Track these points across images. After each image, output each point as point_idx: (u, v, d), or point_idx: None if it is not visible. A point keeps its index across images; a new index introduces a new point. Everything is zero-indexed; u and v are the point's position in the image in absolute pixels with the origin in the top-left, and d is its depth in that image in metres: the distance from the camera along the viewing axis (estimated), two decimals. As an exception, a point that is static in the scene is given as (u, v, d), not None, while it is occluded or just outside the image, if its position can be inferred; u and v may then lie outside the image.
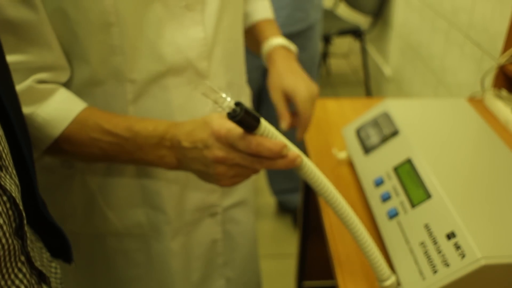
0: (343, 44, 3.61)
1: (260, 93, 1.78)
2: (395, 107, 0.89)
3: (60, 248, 0.54)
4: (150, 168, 0.78)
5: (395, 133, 0.84)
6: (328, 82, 3.33)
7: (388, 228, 0.72)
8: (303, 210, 1.33)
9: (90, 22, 0.64)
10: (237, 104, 0.54)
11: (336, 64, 3.53)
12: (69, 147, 0.67)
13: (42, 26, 0.62)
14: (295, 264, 1.82)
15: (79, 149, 0.67)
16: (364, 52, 2.85)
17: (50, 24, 0.63)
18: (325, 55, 3.09)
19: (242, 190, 0.94)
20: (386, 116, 0.88)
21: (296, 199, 2.04)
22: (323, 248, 0.80)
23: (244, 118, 0.55)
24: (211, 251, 0.93)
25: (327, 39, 2.78)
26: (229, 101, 0.54)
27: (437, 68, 2.06)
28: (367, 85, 2.92)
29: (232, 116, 0.54)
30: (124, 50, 0.67)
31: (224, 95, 0.54)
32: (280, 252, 1.94)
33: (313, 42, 1.74)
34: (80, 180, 0.79)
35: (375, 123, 0.89)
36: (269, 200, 2.20)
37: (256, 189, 2.20)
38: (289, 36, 1.65)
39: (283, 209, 2.14)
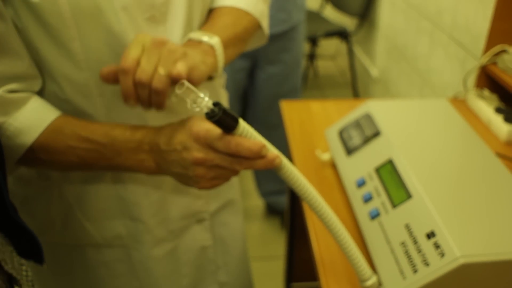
0: (330, 46, 3.63)
1: (246, 95, 1.79)
2: (377, 108, 0.90)
3: (30, 250, 0.53)
4: (128, 177, 0.78)
5: (376, 134, 0.84)
6: (315, 84, 3.34)
7: (369, 228, 0.72)
8: (290, 212, 1.34)
9: (50, 37, 0.63)
10: (215, 104, 0.54)
11: (323, 65, 3.54)
12: (46, 156, 0.66)
13: (10, 36, 0.61)
14: (283, 266, 1.82)
15: (56, 158, 0.66)
16: (350, 53, 2.86)
17: None
18: (312, 57, 3.10)
19: (228, 191, 0.94)
20: (368, 117, 0.89)
21: (284, 200, 2.05)
22: (310, 250, 0.80)
23: (223, 118, 0.55)
24: (202, 257, 0.92)
25: (313, 41, 2.79)
26: (207, 101, 0.54)
27: (422, 69, 2.08)
28: (354, 86, 2.93)
29: (211, 116, 0.54)
30: (89, 65, 0.66)
31: (202, 95, 0.54)
32: (269, 254, 1.94)
33: (297, 43, 1.75)
34: (57, 192, 0.78)
35: (357, 124, 0.90)
36: (257, 202, 2.20)
37: (244, 191, 2.20)
38: (272, 37, 1.66)
39: (271, 211, 2.15)
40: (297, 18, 1.70)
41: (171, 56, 0.60)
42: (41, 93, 0.69)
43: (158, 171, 0.67)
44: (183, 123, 0.63)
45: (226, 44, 0.73)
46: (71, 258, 0.85)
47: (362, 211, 0.76)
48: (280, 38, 1.67)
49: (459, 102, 1.23)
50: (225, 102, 0.95)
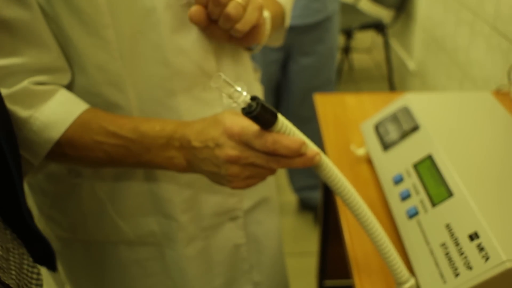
0: (366, 39, 3.55)
1: (279, 89, 1.76)
2: (415, 101, 0.86)
3: (44, 256, 0.52)
4: (160, 174, 0.75)
5: (415, 128, 0.80)
6: (350, 78, 3.28)
7: (407, 228, 0.69)
8: (323, 208, 1.30)
9: (83, 24, 0.61)
10: (253, 98, 0.51)
11: (359, 59, 3.47)
12: (73, 152, 0.64)
13: (38, 26, 0.59)
14: (316, 263, 1.79)
15: (83, 154, 0.64)
16: (387, 46, 2.79)
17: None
18: (347, 50, 3.04)
19: (262, 189, 0.91)
20: (406, 111, 0.85)
21: (317, 196, 2.01)
22: (344, 247, 0.77)
23: (261, 114, 0.51)
24: (235, 256, 0.90)
25: (348, 34, 2.73)
26: (245, 96, 0.50)
27: (462, 62, 2.00)
28: (391, 80, 2.86)
29: (248, 111, 0.51)
30: (122, 54, 0.64)
31: (239, 89, 0.50)
32: (301, 250, 1.91)
33: (331, 34, 1.70)
34: (88, 188, 0.76)
35: (394, 118, 0.86)
36: (290, 198, 2.17)
37: (277, 187, 2.18)
38: (306, 27, 1.62)
39: (304, 206, 2.11)
40: (332, 8, 1.65)
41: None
42: (70, 87, 0.67)
43: (189, 169, 0.64)
44: (216, 118, 0.60)
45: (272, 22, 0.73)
46: (104, 256, 0.83)
47: (399, 209, 0.72)
48: (314, 28, 1.62)
49: (502, 96, 1.17)
50: (260, 96, 0.92)
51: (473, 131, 0.78)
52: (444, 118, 0.82)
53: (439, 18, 2.27)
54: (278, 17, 0.80)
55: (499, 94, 1.18)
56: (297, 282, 1.72)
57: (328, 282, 1.46)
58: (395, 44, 3.08)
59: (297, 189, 2.04)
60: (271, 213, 0.95)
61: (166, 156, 0.63)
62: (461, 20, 1.99)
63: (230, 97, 0.50)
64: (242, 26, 0.63)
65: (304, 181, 1.99)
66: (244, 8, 0.62)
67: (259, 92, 0.91)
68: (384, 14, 2.88)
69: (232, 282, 0.91)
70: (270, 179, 0.95)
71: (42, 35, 0.60)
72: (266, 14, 0.72)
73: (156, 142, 0.63)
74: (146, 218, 0.79)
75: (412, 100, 0.86)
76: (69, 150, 0.64)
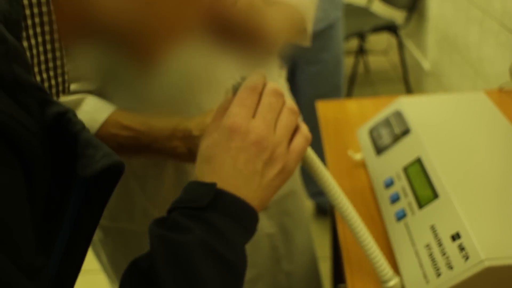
0: (381, 41, 3.55)
1: (293, 71, 1.76)
2: (408, 105, 0.87)
3: None
4: (190, 166, 0.79)
5: (406, 132, 0.82)
6: (367, 80, 3.28)
7: (395, 230, 0.70)
8: (333, 212, 1.32)
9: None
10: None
11: (375, 61, 3.47)
12: None
13: None
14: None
15: None
16: (401, 47, 2.79)
17: None
18: (360, 53, 3.04)
19: (289, 182, 0.94)
20: (398, 115, 0.86)
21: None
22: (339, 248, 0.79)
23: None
24: (267, 246, 0.93)
25: (362, 37, 2.74)
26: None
27: (474, 60, 1.99)
28: (406, 81, 2.85)
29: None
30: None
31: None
32: (319, 255, 1.92)
33: (335, 41, 1.72)
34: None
35: (387, 122, 0.87)
36: (306, 203, 2.18)
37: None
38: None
39: (320, 211, 2.12)
40: (334, 16, 1.67)
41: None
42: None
43: (191, 158, 0.69)
44: (213, 109, 0.64)
45: None
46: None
47: (388, 212, 0.74)
48: (318, 37, 1.64)
49: (506, 94, 1.17)
50: (286, 93, 0.94)
51: (464, 133, 0.79)
52: (436, 120, 0.83)
53: (450, 16, 2.26)
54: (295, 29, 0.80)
55: (502, 92, 1.18)
56: (314, 287, 1.73)
57: (341, 286, 1.47)
58: (410, 45, 3.07)
59: (312, 194, 2.05)
60: (298, 205, 0.99)
61: (171, 146, 0.70)
62: (471, 18, 1.98)
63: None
64: None
65: (318, 187, 2.00)
66: None
67: (284, 89, 0.93)
68: (397, 15, 2.88)
69: (264, 272, 0.94)
70: (296, 174, 0.97)
71: None
72: None
73: (162, 134, 0.70)
74: None
75: (404, 104, 0.87)
76: None
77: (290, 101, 0.55)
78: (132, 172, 0.80)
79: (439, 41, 2.49)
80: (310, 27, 0.86)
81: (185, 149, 0.69)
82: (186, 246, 0.44)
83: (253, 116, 0.52)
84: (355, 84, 2.87)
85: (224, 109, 0.53)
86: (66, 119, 0.35)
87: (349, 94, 2.80)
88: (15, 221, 0.31)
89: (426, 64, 2.72)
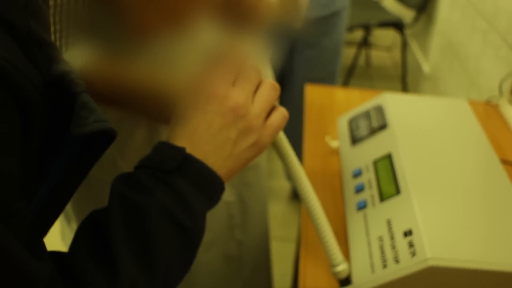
0: (387, 37, 3.54)
1: (282, 77, 1.78)
2: (390, 101, 0.88)
3: None
4: (161, 125, 0.80)
5: (383, 126, 0.83)
6: (366, 74, 3.28)
7: (354, 219, 0.72)
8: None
9: None
10: None
11: (377, 56, 3.46)
12: None
13: None
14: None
15: None
16: (404, 46, 2.78)
17: None
18: (364, 45, 3.03)
19: None
20: (379, 109, 0.87)
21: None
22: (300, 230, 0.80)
23: None
24: (224, 213, 0.94)
25: (367, 29, 2.73)
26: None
27: (471, 70, 2.00)
28: (404, 80, 2.86)
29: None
30: None
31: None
32: (288, 236, 1.96)
33: (338, 29, 1.72)
34: None
35: (367, 115, 0.88)
36: (283, 183, 2.21)
37: (271, 171, 2.21)
38: (313, 20, 1.64)
39: (296, 194, 2.15)
40: (341, 4, 1.66)
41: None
42: None
43: (163, 119, 0.69)
44: None
45: None
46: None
47: (351, 201, 0.75)
48: (321, 22, 1.64)
49: (491, 107, 1.18)
50: (270, 72, 0.96)
51: (438, 137, 0.80)
52: (414, 120, 0.84)
53: (457, 23, 2.26)
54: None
55: (489, 105, 1.19)
56: (277, 265, 1.76)
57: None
58: (413, 45, 3.06)
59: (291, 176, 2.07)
60: (260, 179, 1.00)
61: (147, 104, 0.69)
62: (476, 27, 1.99)
63: None
64: None
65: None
66: None
67: (267, 67, 0.94)
68: (406, 13, 2.87)
69: (218, 237, 0.96)
70: None
71: None
72: None
73: (142, 89, 0.69)
74: None
75: (387, 100, 0.88)
76: None
77: (270, 78, 0.56)
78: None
79: (442, 46, 2.49)
80: (303, 11, 0.86)
81: (159, 109, 0.68)
82: (144, 208, 0.44)
83: (233, 85, 0.52)
84: (354, 76, 2.87)
85: (203, 75, 0.53)
86: (69, 79, 0.36)
87: (346, 84, 2.80)
88: (1, 166, 0.32)
89: (426, 67, 2.73)
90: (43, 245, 0.40)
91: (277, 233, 1.96)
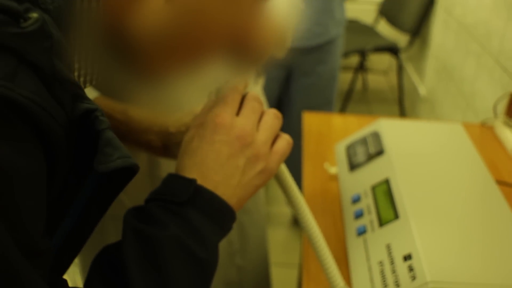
0: (383, 61, 3.59)
1: (280, 105, 1.81)
2: (386, 127, 0.90)
3: None
4: (161, 159, 0.82)
5: (380, 152, 0.84)
6: (363, 98, 3.32)
7: (354, 244, 0.73)
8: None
9: None
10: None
11: (374, 80, 3.51)
12: None
13: None
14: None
15: None
16: (400, 70, 2.82)
17: None
18: (360, 70, 3.07)
19: None
20: (376, 135, 0.89)
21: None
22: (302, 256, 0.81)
23: None
24: (224, 239, 0.95)
25: (363, 55, 2.77)
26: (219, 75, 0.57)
27: (467, 92, 2.03)
28: (401, 104, 2.89)
29: (219, 90, 0.57)
30: None
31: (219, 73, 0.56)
32: (289, 262, 1.95)
33: (333, 56, 1.75)
34: None
35: (364, 141, 0.90)
36: (284, 210, 2.21)
37: (271, 197, 2.22)
38: (308, 49, 1.67)
39: (297, 220, 2.15)
40: (335, 32, 1.70)
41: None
42: None
43: (165, 153, 0.72)
44: (191, 109, 0.69)
45: None
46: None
47: (351, 226, 0.77)
48: (316, 50, 1.68)
49: (487, 129, 1.20)
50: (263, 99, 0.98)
51: (434, 161, 0.82)
52: (410, 145, 0.86)
53: (451, 46, 2.30)
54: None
55: (484, 127, 1.21)
56: (280, 292, 1.76)
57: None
58: (409, 69, 3.10)
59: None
60: (258, 205, 1.02)
61: (146, 139, 0.72)
62: (469, 51, 2.02)
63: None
64: None
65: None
66: None
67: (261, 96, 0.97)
68: (400, 38, 2.92)
69: (219, 264, 0.96)
70: None
71: None
72: None
73: (139, 126, 0.72)
74: (145, 196, 0.86)
75: (383, 126, 0.90)
76: None
77: (272, 108, 0.58)
78: None
79: (437, 69, 2.52)
80: (288, 42, 0.91)
81: (159, 143, 0.71)
82: (158, 241, 0.45)
83: (237, 115, 0.54)
84: (351, 100, 2.90)
85: (208, 108, 0.55)
86: (94, 116, 0.37)
87: (343, 109, 2.83)
88: (29, 205, 0.33)
89: (422, 90, 2.76)
90: (65, 284, 0.41)
91: (279, 259, 1.96)
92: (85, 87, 0.44)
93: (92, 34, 0.41)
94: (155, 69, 0.49)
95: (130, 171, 0.40)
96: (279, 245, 2.04)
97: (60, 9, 0.36)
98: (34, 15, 0.33)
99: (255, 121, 0.54)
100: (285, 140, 0.56)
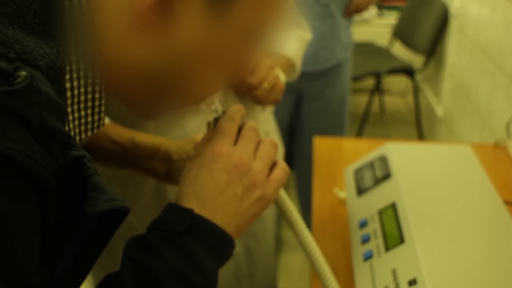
0: (400, 82, 3.58)
1: (292, 129, 1.82)
2: (394, 150, 0.90)
3: None
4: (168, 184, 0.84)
5: (387, 176, 0.84)
6: (380, 121, 3.30)
7: (361, 269, 0.73)
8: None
9: None
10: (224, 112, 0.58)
11: (391, 102, 3.49)
12: None
13: None
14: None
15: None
16: (416, 91, 2.82)
17: None
18: (377, 92, 3.07)
19: None
20: (383, 159, 0.89)
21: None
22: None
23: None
24: (231, 263, 0.96)
25: (378, 77, 2.78)
26: (216, 106, 0.58)
27: (483, 111, 2.01)
28: (419, 125, 2.87)
29: (216, 118, 0.58)
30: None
31: (217, 103, 0.58)
32: (300, 286, 1.94)
33: (342, 80, 1.76)
34: (105, 180, 0.87)
35: (371, 165, 0.90)
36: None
37: (283, 223, 2.21)
38: (314, 74, 1.69)
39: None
40: (342, 56, 1.72)
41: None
42: None
43: (168, 179, 0.75)
44: (193, 137, 0.72)
45: None
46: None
47: (358, 251, 0.76)
48: (324, 75, 1.69)
49: (500, 149, 1.19)
50: (272, 126, 1.02)
51: (441, 184, 0.81)
52: (417, 169, 0.85)
53: (466, 66, 2.29)
54: (287, 70, 0.94)
55: (497, 147, 1.20)
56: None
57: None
58: (426, 89, 3.09)
59: (309, 225, 2.06)
60: (266, 231, 1.02)
61: (151, 166, 0.75)
62: (484, 70, 2.01)
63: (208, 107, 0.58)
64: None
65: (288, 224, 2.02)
66: (270, 91, 0.82)
67: (268, 122, 1.00)
68: (416, 59, 2.92)
69: None
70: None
71: None
72: (282, 77, 0.84)
73: (144, 153, 0.75)
74: (153, 217, 0.87)
75: (390, 149, 0.90)
76: None
77: (269, 137, 0.60)
78: (117, 178, 0.86)
79: (453, 89, 2.51)
80: (298, 69, 0.95)
81: (163, 170, 0.74)
82: (155, 272, 0.46)
83: (235, 144, 0.55)
84: (368, 123, 2.89)
85: (207, 138, 0.57)
86: (82, 163, 0.40)
87: (360, 132, 2.82)
88: (24, 246, 0.35)
89: (439, 111, 2.74)
90: None
91: (293, 285, 1.94)
92: (97, 129, 0.46)
93: (88, 82, 0.43)
94: (150, 108, 0.51)
95: (121, 212, 0.41)
96: (293, 271, 2.03)
97: (53, 63, 0.38)
98: (23, 73, 0.35)
99: (252, 150, 0.55)
100: (281, 168, 0.57)
